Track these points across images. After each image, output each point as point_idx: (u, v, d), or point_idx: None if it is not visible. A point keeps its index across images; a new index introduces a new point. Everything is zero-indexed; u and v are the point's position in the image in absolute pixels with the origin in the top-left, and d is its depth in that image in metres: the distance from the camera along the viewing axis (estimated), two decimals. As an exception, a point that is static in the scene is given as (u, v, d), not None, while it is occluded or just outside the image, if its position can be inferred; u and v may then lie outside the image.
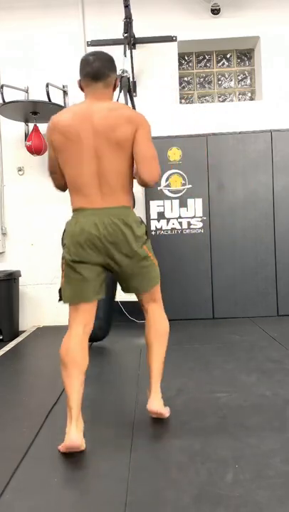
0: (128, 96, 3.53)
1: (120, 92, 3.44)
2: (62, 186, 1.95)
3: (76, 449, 1.62)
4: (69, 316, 1.88)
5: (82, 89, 1.84)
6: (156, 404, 1.83)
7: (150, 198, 4.01)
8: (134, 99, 3.83)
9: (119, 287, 1.99)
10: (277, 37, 4.07)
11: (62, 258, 1.78)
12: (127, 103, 3.46)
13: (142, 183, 1.80)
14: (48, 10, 4.04)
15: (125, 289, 1.91)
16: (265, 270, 3.99)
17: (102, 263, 1.76)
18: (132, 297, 3.14)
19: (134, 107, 3.56)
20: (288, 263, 3.98)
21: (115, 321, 3.68)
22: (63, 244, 1.80)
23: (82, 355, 1.79)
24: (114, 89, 1.87)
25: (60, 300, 1.87)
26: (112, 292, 3.15)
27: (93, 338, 3.17)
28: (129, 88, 3.56)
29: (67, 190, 1.89)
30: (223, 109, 4.15)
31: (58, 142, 1.75)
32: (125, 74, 3.46)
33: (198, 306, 4.00)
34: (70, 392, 1.70)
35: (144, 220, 4.00)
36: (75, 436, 1.62)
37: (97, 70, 1.77)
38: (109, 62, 1.84)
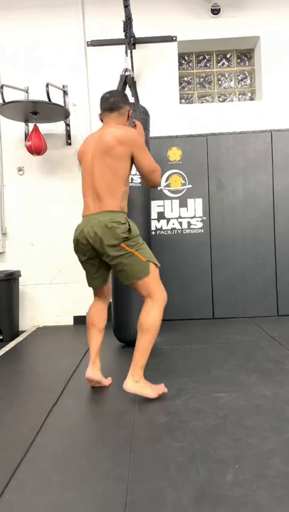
0: (133, 92, 3.57)
1: (123, 89, 3.46)
2: None
3: (94, 383, 2.32)
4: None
5: (101, 120, 2.32)
6: (127, 384, 2.08)
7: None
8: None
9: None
10: (277, 37, 4.08)
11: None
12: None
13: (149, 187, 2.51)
14: (48, 10, 4.05)
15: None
16: (265, 270, 3.99)
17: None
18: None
19: (138, 100, 3.55)
20: (288, 263, 3.99)
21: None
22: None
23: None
24: (127, 118, 2.32)
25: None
26: None
27: None
28: (134, 85, 3.58)
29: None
30: (223, 109, 4.15)
31: (79, 160, 2.31)
32: (128, 73, 3.50)
33: (198, 306, 4.00)
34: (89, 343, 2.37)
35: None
36: (90, 371, 2.29)
37: (112, 104, 2.26)
38: (122, 97, 2.32)
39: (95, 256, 2.20)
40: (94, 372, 2.30)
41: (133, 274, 2.09)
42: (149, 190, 3.25)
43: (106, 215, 2.09)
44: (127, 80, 3.45)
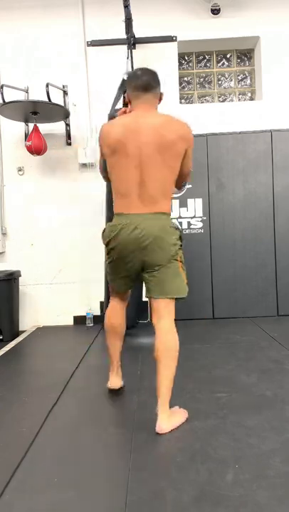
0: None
1: (124, 93, 3.48)
2: (109, 180, 2.07)
3: (116, 387, 2.22)
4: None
5: (129, 101, 2.02)
6: (162, 425, 1.79)
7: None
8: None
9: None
10: (277, 37, 4.07)
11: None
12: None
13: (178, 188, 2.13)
14: (48, 10, 4.05)
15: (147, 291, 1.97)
16: (265, 270, 3.99)
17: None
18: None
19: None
20: (288, 263, 3.99)
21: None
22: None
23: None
24: (159, 101, 2.06)
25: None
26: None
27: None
28: None
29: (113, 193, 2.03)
30: (223, 109, 4.15)
31: (106, 151, 1.97)
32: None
33: (198, 306, 4.00)
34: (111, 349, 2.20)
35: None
36: (114, 381, 2.22)
37: (146, 82, 1.96)
38: (155, 75, 2.01)
39: (138, 258, 1.91)
40: (117, 380, 2.22)
41: (171, 290, 1.89)
42: None
43: (163, 218, 1.92)
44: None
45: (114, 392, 2.24)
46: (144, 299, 3.78)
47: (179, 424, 1.83)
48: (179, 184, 2.07)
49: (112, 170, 1.97)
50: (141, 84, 1.95)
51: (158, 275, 1.88)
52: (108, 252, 2.00)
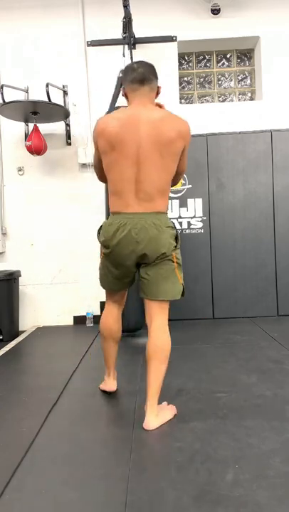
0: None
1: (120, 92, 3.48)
2: (104, 179, 2.03)
3: (111, 391, 2.26)
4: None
5: (126, 96, 1.96)
6: (150, 422, 1.83)
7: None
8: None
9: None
10: (277, 37, 4.08)
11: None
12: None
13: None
14: (48, 10, 4.05)
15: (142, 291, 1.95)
16: (265, 270, 3.99)
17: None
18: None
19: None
20: (288, 263, 3.99)
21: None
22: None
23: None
24: (157, 94, 1.98)
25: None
26: None
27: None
28: None
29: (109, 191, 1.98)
30: (223, 109, 4.15)
31: (103, 147, 1.87)
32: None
33: (198, 306, 4.00)
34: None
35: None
36: (110, 384, 2.26)
37: (143, 75, 1.89)
38: (152, 68, 1.96)
39: (134, 259, 1.88)
40: (113, 383, 2.27)
41: (164, 292, 1.88)
42: None
43: (159, 218, 1.86)
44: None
45: (111, 393, 2.26)
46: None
47: (166, 421, 1.86)
48: (173, 182, 2.03)
49: (108, 167, 1.90)
50: (137, 77, 1.89)
51: (151, 276, 1.88)
52: (104, 251, 1.96)
